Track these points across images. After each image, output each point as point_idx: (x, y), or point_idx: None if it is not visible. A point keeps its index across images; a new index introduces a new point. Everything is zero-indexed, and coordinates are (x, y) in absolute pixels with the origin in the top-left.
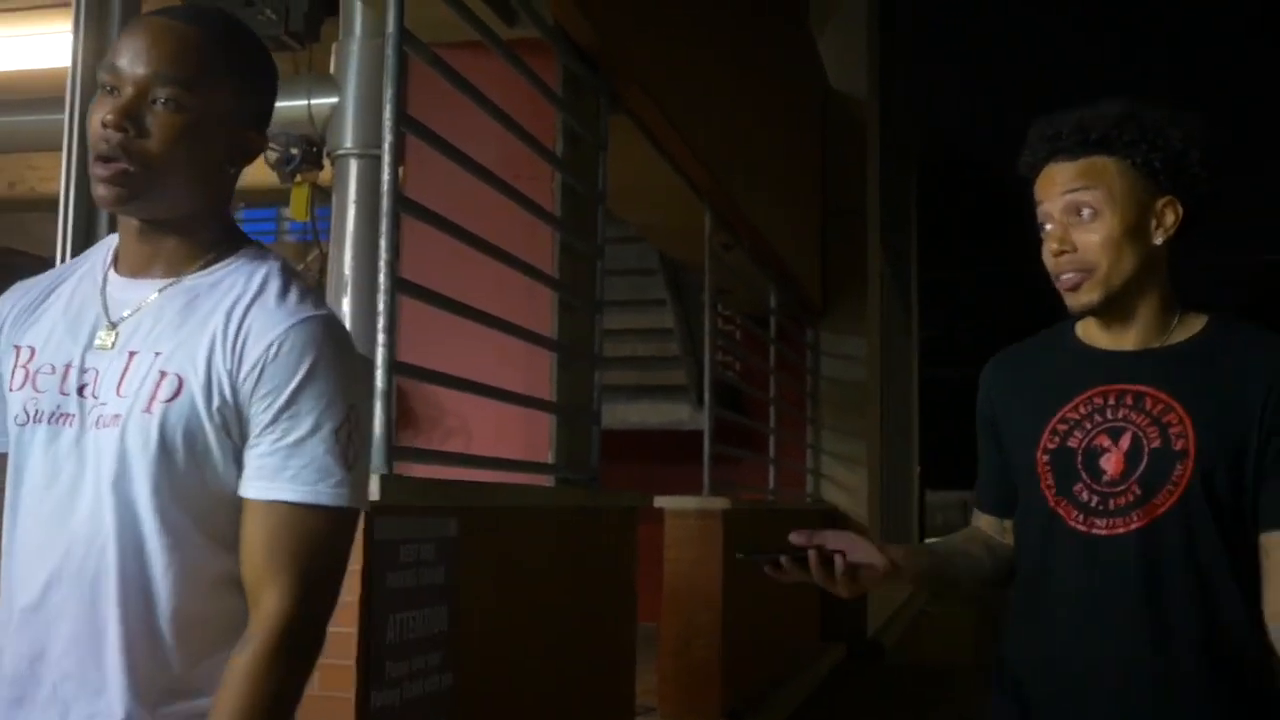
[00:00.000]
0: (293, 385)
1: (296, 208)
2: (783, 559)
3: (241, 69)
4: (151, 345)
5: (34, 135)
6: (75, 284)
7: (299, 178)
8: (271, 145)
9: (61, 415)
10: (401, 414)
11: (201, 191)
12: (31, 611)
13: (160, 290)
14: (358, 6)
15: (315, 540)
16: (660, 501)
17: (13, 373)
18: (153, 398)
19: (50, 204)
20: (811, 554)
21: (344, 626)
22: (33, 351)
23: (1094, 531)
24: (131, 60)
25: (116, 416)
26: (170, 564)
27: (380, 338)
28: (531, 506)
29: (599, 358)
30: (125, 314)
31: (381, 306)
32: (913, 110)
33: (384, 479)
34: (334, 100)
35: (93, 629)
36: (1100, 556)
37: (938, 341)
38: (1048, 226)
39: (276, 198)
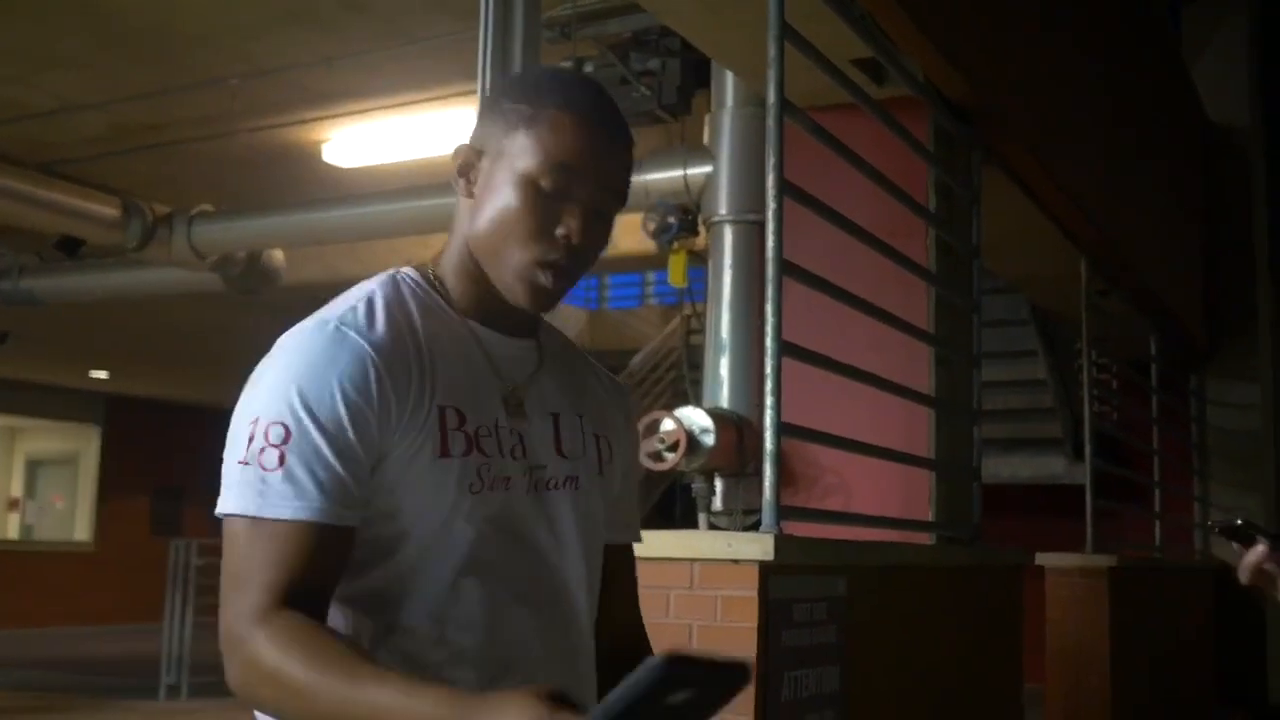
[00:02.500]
0: None
1: (675, 274)
2: (1261, 535)
3: None
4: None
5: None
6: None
7: (676, 245)
8: (649, 214)
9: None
10: (781, 473)
11: None
12: None
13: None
14: (729, 78)
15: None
16: (1042, 559)
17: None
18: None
19: None
20: None
21: None
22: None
23: None
24: (589, 169)
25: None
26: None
27: (768, 400)
28: (916, 565)
29: (978, 413)
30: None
31: (769, 369)
32: None
33: (777, 539)
34: (708, 169)
35: None
36: None
37: None
38: None
39: (642, 264)
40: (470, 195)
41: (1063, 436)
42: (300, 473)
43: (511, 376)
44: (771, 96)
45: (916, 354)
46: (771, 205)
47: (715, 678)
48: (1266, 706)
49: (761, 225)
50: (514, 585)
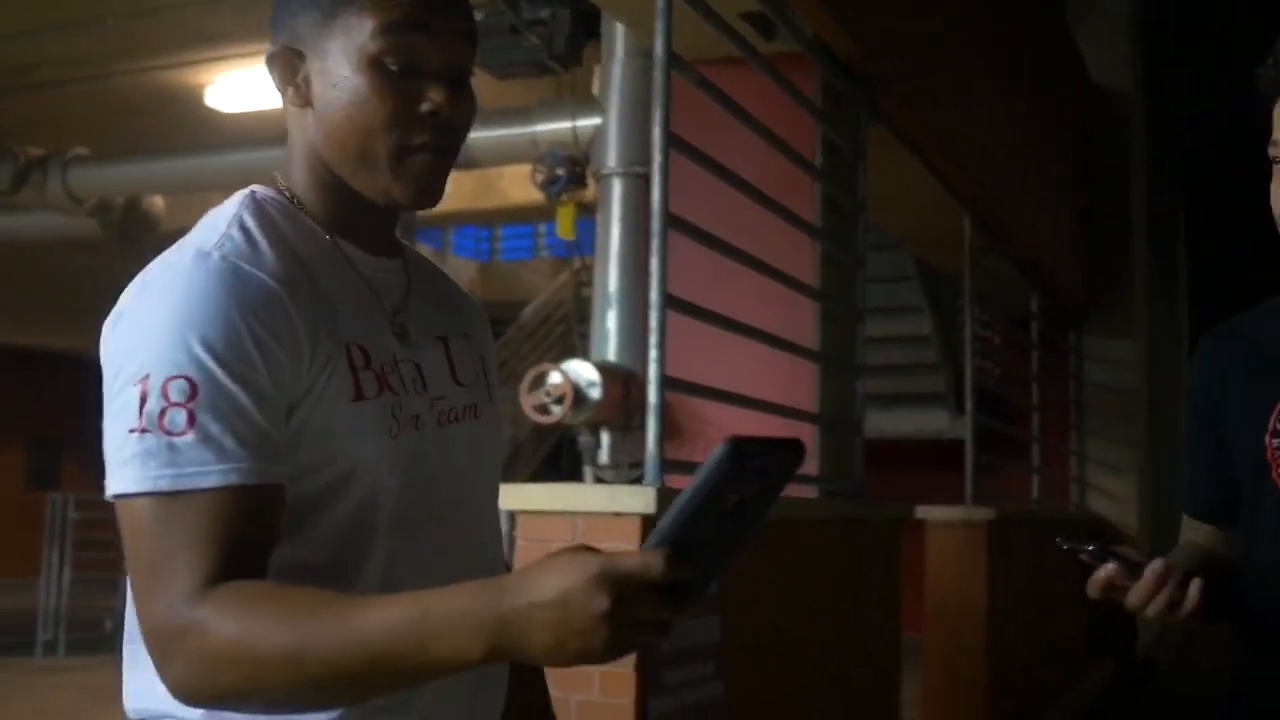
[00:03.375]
0: None
1: (563, 226)
2: (1113, 559)
3: None
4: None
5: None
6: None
7: (564, 197)
8: (537, 165)
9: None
10: (666, 426)
11: None
12: None
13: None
14: (620, 29)
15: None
16: (922, 512)
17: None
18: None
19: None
20: (1155, 565)
21: None
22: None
23: None
24: (434, 26)
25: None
26: None
27: (652, 354)
28: (799, 518)
29: (861, 368)
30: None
31: (653, 323)
32: (1184, 102)
33: (660, 492)
34: (597, 121)
35: None
36: None
37: None
38: (1277, 165)
39: (534, 216)
40: (306, 103)
41: (946, 391)
42: (216, 430)
43: (391, 300)
44: (659, 49)
45: (802, 309)
46: (657, 159)
47: (775, 459)
48: (1134, 657)
49: (649, 179)
50: (436, 537)
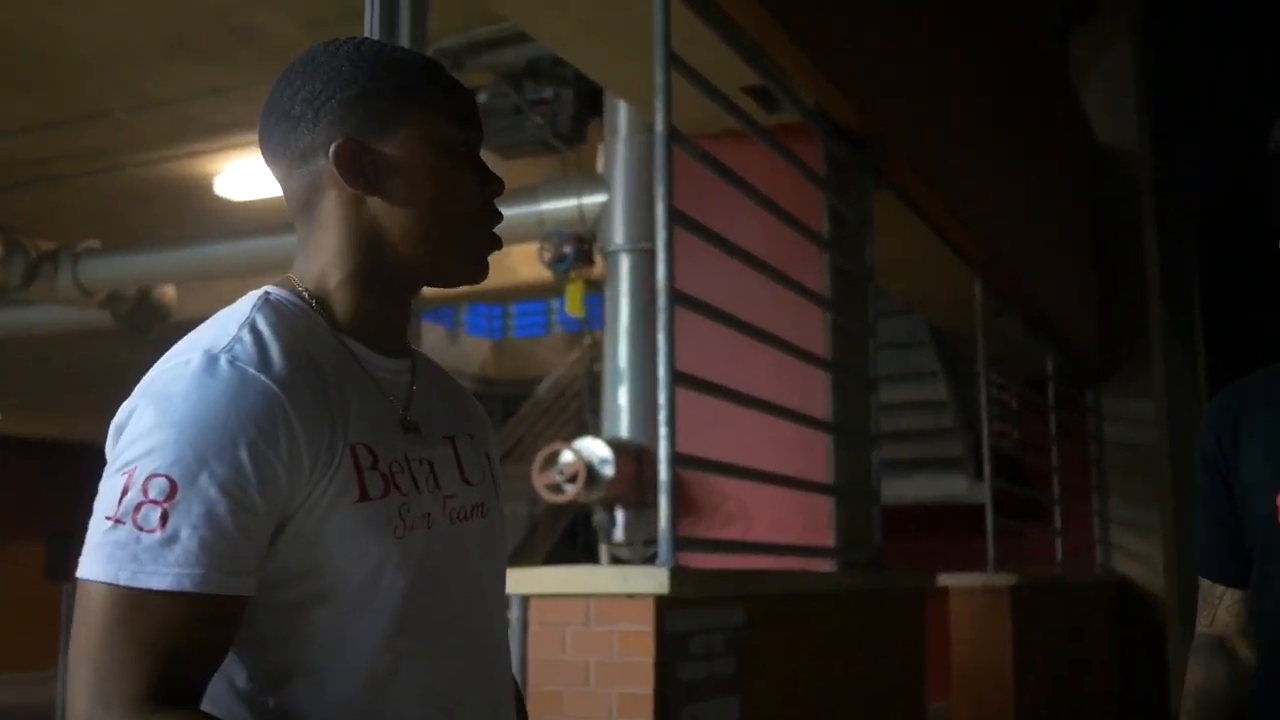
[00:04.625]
0: None
1: (572, 303)
2: None
3: None
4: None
5: None
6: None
7: (572, 274)
8: (545, 244)
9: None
10: (681, 501)
11: None
12: None
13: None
14: (623, 107)
15: None
16: (945, 579)
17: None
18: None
19: None
20: None
21: (640, 719)
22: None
23: None
24: (476, 118)
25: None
26: None
27: (662, 430)
28: (817, 592)
29: (876, 437)
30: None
31: (662, 400)
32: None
33: (673, 572)
34: (603, 199)
35: None
36: None
37: None
38: None
39: (545, 293)
40: (372, 192)
41: (964, 456)
42: (184, 533)
43: (400, 399)
44: (659, 125)
45: (814, 379)
46: (661, 234)
47: None
48: (1168, 715)
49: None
50: (449, 637)
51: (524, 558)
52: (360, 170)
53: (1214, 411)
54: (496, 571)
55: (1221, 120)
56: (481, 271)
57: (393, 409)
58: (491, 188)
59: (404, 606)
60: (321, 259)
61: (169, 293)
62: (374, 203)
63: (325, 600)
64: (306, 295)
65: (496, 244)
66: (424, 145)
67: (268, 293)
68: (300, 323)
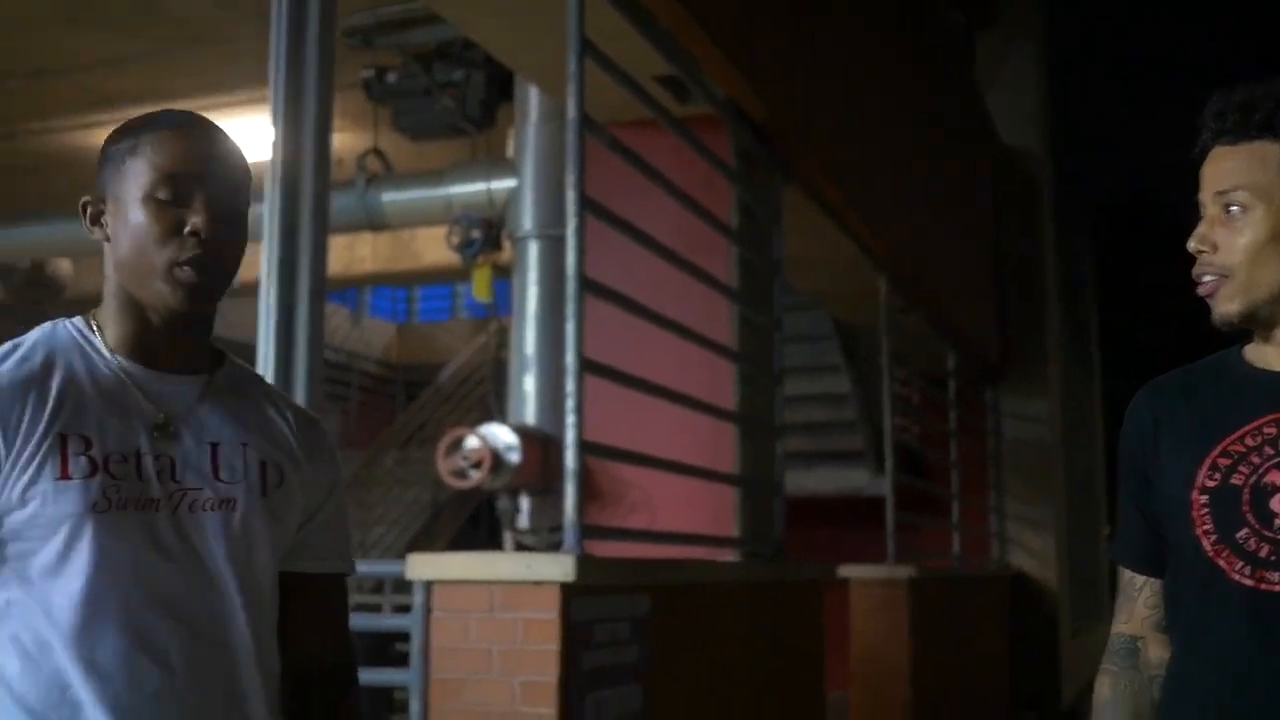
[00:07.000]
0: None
1: (480, 288)
2: None
3: None
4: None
5: None
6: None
7: (480, 259)
8: (453, 228)
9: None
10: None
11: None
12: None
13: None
14: (534, 92)
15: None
16: (845, 571)
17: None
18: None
19: (249, 291)
20: None
21: (543, 707)
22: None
23: (1263, 587)
24: (202, 171)
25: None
26: (270, 631)
27: (569, 418)
28: (720, 581)
29: (781, 429)
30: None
31: (570, 387)
32: (1090, 164)
33: (579, 560)
34: (513, 184)
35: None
36: (1271, 618)
37: (1123, 400)
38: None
39: (451, 277)
40: (108, 238)
41: (865, 449)
42: None
43: (169, 408)
44: (572, 111)
45: (721, 370)
46: (572, 221)
47: None
48: (1058, 711)
49: (565, 241)
50: (161, 604)
51: (426, 543)
52: (97, 220)
53: (1138, 402)
54: (248, 561)
55: (1119, 125)
56: (176, 295)
57: (146, 413)
58: (191, 224)
59: (99, 576)
60: (104, 293)
61: (64, 266)
62: (110, 245)
63: (35, 554)
64: (92, 323)
65: (187, 272)
66: (130, 196)
67: (60, 320)
68: (68, 342)
